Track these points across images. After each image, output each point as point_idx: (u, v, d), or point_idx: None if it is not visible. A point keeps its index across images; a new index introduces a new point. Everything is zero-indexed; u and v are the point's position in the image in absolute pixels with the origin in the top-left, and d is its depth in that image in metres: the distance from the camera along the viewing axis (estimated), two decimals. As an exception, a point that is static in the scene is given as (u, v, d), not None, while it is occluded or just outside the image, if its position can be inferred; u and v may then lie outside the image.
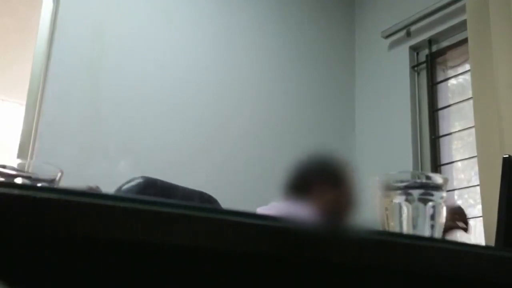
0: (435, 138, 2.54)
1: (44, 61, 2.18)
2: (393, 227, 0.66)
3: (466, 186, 2.41)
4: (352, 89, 2.92)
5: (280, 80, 2.69)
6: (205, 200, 1.64)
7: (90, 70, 2.21)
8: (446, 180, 0.68)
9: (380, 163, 2.64)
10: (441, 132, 2.55)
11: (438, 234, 0.66)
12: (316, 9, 2.92)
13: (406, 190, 0.66)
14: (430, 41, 2.62)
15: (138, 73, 2.31)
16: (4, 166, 0.71)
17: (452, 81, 2.61)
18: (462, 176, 2.48)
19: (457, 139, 2.54)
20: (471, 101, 2.22)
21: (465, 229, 1.83)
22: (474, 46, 2.22)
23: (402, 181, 0.67)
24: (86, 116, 2.15)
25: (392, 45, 2.78)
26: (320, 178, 1.50)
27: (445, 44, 2.61)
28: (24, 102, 2.20)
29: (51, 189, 0.54)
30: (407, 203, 0.65)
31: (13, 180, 0.71)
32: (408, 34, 2.69)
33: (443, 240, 0.72)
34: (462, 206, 1.97)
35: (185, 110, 2.38)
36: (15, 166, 0.74)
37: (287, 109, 2.65)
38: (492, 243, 1.18)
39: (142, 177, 1.64)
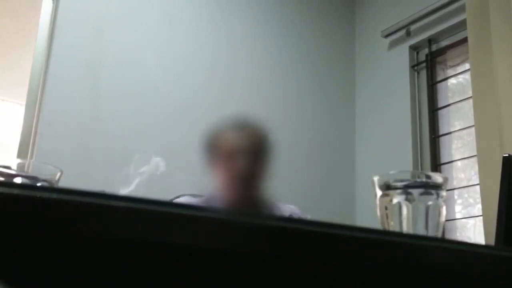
0: (435, 138, 2.54)
1: (44, 61, 2.18)
2: (393, 226, 0.66)
3: (466, 185, 2.41)
4: (352, 89, 2.92)
5: (280, 80, 2.69)
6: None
7: (90, 70, 2.21)
8: (446, 180, 0.68)
9: (380, 163, 2.64)
10: (441, 132, 2.55)
11: (438, 233, 0.66)
12: (316, 9, 2.92)
13: (406, 189, 0.66)
14: (430, 41, 2.62)
15: (138, 73, 2.30)
16: (8, 167, 0.71)
17: (452, 81, 2.61)
18: (462, 175, 2.48)
19: (457, 138, 2.54)
20: (471, 101, 2.22)
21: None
22: (474, 45, 2.21)
23: (402, 181, 0.67)
24: (86, 116, 2.15)
25: (392, 45, 2.78)
26: (228, 143, 1.44)
27: (444, 43, 2.61)
28: (24, 102, 2.20)
29: (51, 189, 0.54)
30: (407, 202, 0.66)
31: (13, 179, 0.71)
32: (408, 34, 2.69)
33: (443, 240, 0.72)
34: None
35: (185, 110, 2.38)
36: (15, 166, 0.74)
37: (287, 109, 2.65)
38: (492, 242, 1.18)
39: (193, 195, 1.64)
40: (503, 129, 1.98)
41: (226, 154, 1.41)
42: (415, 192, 0.66)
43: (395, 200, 0.66)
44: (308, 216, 1.57)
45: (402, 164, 2.51)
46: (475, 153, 2.16)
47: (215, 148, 1.44)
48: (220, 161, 1.42)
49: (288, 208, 1.56)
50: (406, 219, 0.65)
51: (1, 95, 4.40)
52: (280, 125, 2.59)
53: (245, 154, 1.41)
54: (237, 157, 1.40)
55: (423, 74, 2.66)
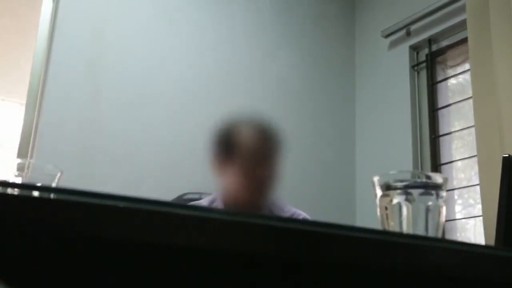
0: (435, 138, 2.54)
1: (44, 61, 2.18)
2: (393, 226, 0.66)
3: (466, 185, 2.41)
4: (352, 89, 2.92)
5: (280, 80, 2.69)
6: None
7: (90, 70, 2.21)
8: (446, 180, 0.68)
9: (380, 163, 2.64)
10: (441, 132, 2.55)
11: (438, 234, 0.66)
12: (316, 9, 2.92)
13: (406, 189, 0.66)
14: (430, 41, 2.62)
15: (138, 73, 2.30)
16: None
17: (452, 81, 2.61)
18: (462, 175, 2.48)
19: (457, 138, 2.54)
20: (471, 101, 2.22)
21: None
22: (474, 45, 2.21)
23: (402, 181, 0.67)
24: (86, 116, 2.15)
25: (392, 45, 2.78)
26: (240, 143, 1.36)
27: (445, 43, 2.61)
28: (24, 102, 2.20)
29: (51, 188, 0.54)
30: (407, 202, 0.65)
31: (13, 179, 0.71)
32: (408, 34, 2.69)
33: (443, 240, 0.72)
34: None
35: (185, 110, 2.38)
36: (15, 166, 0.74)
37: (287, 109, 2.65)
38: (492, 243, 1.18)
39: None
40: (503, 129, 1.98)
41: (241, 154, 1.35)
42: (415, 192, 0.66)
43: (395, 200, 0.66)
44: None
45: (402, 164, 2.51)
46: (475, 153, 2.16)
47: (228, 147, 1.37)
48: (233, 161, 1.34)
49: (299, 215, 1.51)
50: (406, 219, 0.65)
51: (1, 95, 4.41)
52: (280, 125, 2.59)
53: (260, 155, 1.35)
54: (252, 157, 1.34)
55: (423, 74, 2.66)
